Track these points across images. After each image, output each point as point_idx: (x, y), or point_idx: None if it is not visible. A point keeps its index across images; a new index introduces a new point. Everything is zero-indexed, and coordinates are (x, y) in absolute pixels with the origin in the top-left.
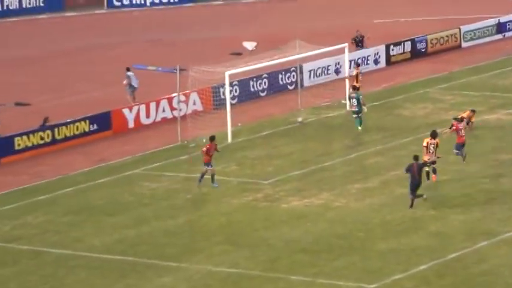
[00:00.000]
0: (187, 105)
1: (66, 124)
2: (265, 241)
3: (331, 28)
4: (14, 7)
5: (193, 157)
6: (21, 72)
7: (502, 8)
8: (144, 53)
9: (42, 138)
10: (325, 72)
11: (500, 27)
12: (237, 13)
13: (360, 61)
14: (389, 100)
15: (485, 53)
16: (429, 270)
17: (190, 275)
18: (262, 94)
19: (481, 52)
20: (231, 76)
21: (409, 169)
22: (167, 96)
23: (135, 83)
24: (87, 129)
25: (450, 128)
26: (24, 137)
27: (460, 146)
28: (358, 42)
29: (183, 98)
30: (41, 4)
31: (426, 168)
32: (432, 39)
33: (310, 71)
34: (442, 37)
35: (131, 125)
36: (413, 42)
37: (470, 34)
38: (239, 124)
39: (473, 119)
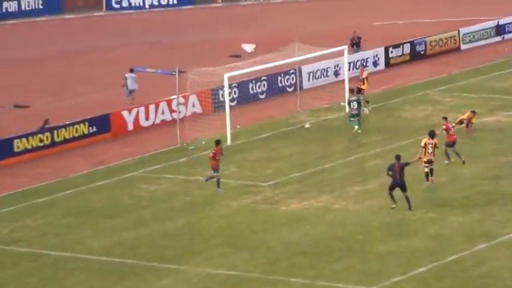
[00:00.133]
0: (186, 107)
1: (65, 126)
2: (265, 243)
3: (330, 30)
4: (13, 9)
5: (192, 159)
6: (21, 75)
7: (501, 10)
8: (143, 55)
9: (41, 141)
10: (325, 74)
11: (500, 30)
12: (236, 15)
13: (359, 63)
14: (388, 102)
15: (485, 55)
16: (428, 273)
17: (190, 277)
18: (261, 96)
19: (480, 54)
20: (230, 78)
21: (390, 169)
22: (166, 99)
23: (130, 85)
24: (86, 132)
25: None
26: (24, 140)
27: (451, 145)
28: (355, 44)
29: (182, 100)
30: (40, 6)
31: (425, 170)
32: (431, 42)
33: (309, 73)
34: (441, 39)
35: (130, 127)
36: (413, 44)
37: (470, 36)
38: (238, 126)
39: (473, 120)
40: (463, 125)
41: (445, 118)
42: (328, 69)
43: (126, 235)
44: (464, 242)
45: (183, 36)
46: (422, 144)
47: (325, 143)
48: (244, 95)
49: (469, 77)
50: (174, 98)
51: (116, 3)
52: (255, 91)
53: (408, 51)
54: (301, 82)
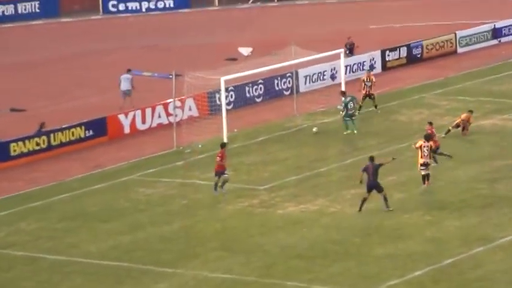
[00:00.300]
0: (183, 111)
1: (61, 130)
2: (261, 247)
3: (326, 34)
4: (10, 13)
5: (189, 163)
6: (17, 78)
7: (498, 14)
8: (139, 58)
9: (37, 144)
10: (321, 78)
11: (496, 33)
12: (233, 19)
13: (355, 67)
14: (385, 105)
15: (481, 59)
16: (425, 276)
17: (186, 281)
18: (257, 100)
19: (477, 57)
20: (226, 82)
21: (365, 170)
22: (163, 102)
23: (123, 86)
24: (82, 135)
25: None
26: (20, 143)
27: (434, 151)
28: (349, 50)
29: (178, 103)
30: (37, 10)
31: (422, 173)
32: (428, 45)
33: (305, 77)
34: (438, 42)
35: (127, 130)
36: (409, 47)
37: (466, 39)
38: (235, 130)
39: (471, 120)
40: (460, 129)
41: (430, 123)
42: (324, 73)
43: (122, 239)
44: (461, 246)
45: (180, 39)
46: (418, 145)
47: (321, 146)
48: (241, 99)
49: (465, 80)
50: (170, 102)
51: (113, 6)
52: (252, 94)
53: (405, 54)
54: (297, 85)
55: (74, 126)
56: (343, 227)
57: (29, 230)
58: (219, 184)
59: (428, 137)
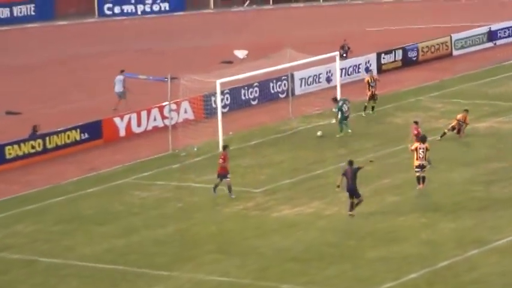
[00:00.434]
0: (178, 113)
1: (57, 133)
2: (256, 250)
3: (322, 36)
4: (5, 16)
5: (184, 166)
6: (13, 81)
7: (493, 16)
8: (135, 61)
9: (33, 147)
10: (317, 80)
11: (491, 36)
12: (228, 21)
13: (351, 69)
14: (380, 108)
15: (476, 61)
16: (420, 279)
17: (181, 284)
18: (253, 103)
19: (472, 60)
20: (222, 85)
21: (344, 174)
22: (158, 105)
23: (116, 89)
24: (78, 138)
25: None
26: (16, 146)
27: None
28: (344, 53)
29: (174, 106)
30: (32, 13)
31: (417, 174)
32: (423, 48)
33: (301, 80)
34: (433, 45)
35: (122, 133)
36: (405, 50)
37: (461, 42)
38: (230, 133)
39: (467, 120)
40: (455, 131)
41: (416, 122)
42: (320, 76)
43: (117, 242)
44: (456, 248)
45: (175, 42)
46: (413, 147)
47: (316, 149)
48: (237, 101)
49: (461, 83)
50: (166, 105)
51: (108, 9)
52: (247, 97)
53: (400, 57)
54: (293, 88)
55: (70, 129)
56: (338, 229)
57: (25, 233)
58: (226, 191)
59: (423, 139)
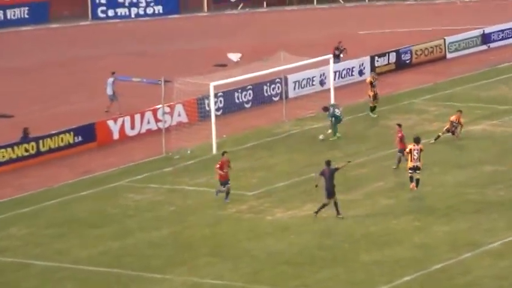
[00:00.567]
0: (172, 116)
1: (50, 136)
2: (249, 253)
3: (316, 39)
4: None
5: (178, 169)
6: (6, 84)
7: (487, 19)
8: (129, 64)
9: (26, 150)
10: (310, 83)
11: (485, 38)
12: (222, 24)
13: (345, 72)
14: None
15: (470, 64)
16: (413, 282)
17: (175, 286)
18: (247, 105)
19: (466, 63)
20: (215, 87)
21: (322, 174)
22: (152, 108)
23: (107, 91)
24: (71, 141)
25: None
26: (9, 149)
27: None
28: (338, 55)
29: (167, 109)
30: (26, 16)
31: (409, 174)
32: (417, 50)
33: (295, 82)
34: (427, 48)
35: (116, 136)
36: (398, 53)
37: (455, 45)
38: (224, 136)
39: (461, 121)
40: (450, 133)
41: (400, 125)
42: (313, 78)
43: (111, 244)
44: (450, 251)
45: (169, 45)
46: (408, 150)
47: (310, 152)
48: (230, 104)
49: (454, 86)
50: (159, 108)
51: (102, 12)
52: (241, 100)
53: (394, 60)
54: (286, 91)
55: (63, 132)
56: (331, 233)
57: (18, 236)
58: (224, 196)
59: (417, 140)
